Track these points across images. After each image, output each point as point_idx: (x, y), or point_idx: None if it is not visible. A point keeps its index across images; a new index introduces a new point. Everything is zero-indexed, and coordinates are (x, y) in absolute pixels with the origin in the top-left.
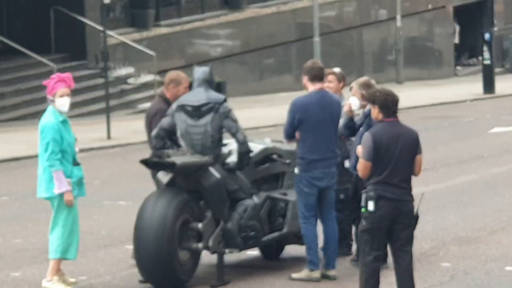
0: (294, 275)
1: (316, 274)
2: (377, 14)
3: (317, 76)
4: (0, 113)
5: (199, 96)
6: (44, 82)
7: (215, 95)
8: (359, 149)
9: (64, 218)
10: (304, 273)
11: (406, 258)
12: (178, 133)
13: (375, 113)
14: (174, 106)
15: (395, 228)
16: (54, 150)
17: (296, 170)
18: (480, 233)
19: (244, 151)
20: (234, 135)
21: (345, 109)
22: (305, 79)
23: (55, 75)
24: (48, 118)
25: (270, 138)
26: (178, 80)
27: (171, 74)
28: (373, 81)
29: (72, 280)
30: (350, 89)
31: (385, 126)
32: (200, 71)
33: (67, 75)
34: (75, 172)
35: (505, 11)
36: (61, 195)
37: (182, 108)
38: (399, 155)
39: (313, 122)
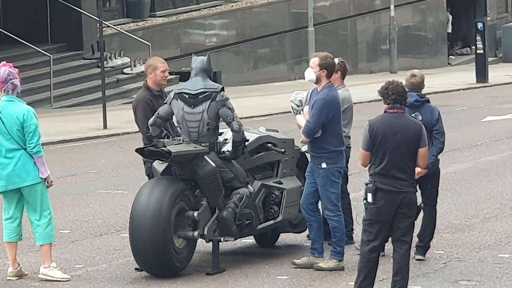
0: (322, 265)
1: (342, 264)
2: (371, 3)
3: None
4: None
5: (196, 84)
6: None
7: (212, 84)
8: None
9: (48, 202)
10: (332, 263)
11: (404, 247)
12: (175, 120)
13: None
14: (171, 94)
15: (395, 218)
16: (40, 136)
17: (324, 165)
18: (473, 221)
19: (239, 140)
20: (229, 123)
21: None
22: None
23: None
24: (26, 106)
25: (264, 127)
26: (154, 65)
27: (148, 60)
28: (418, 74)
29: (26, 272)
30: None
31: (385, 117)
32: (197, 60)
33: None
34: None
35: (498, 0)
36: (43, 179)
37: (179, 95)
38: (396, 147)
39: (339, 116)
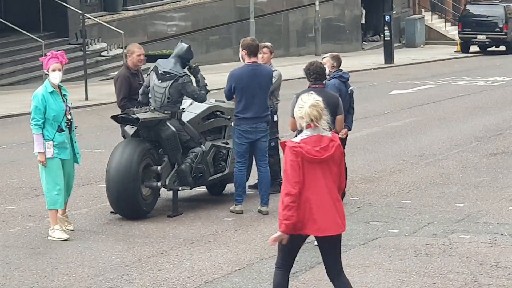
0: (231, 208)
1: (238, 208)
2: (300, 0)
3: (254, 52)
4: None
5: (168, 65)
6: (41, 58)
7: (178, 68)
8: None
9: (45, 175)
10: (233, 207)
11: None
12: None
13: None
14: (152, 66)
15: None
16: (34, 117)
17: (232, 124)
18: (382, 174)
19: (200, 100)
20: (195, 99)
21: None
22: (244, 53)
23: (50, 52)
24: (38, 90)
25: (214, 98)
26: (131, 50)
27: (129, 45)
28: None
29: (70, 227)
30: (322, 59)
31: (309, 91)
32: (179, 47)
33: (60, 53)
34: (56, 137)
35: None
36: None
37: (154, 69)
38: None
39: (245, 89)
